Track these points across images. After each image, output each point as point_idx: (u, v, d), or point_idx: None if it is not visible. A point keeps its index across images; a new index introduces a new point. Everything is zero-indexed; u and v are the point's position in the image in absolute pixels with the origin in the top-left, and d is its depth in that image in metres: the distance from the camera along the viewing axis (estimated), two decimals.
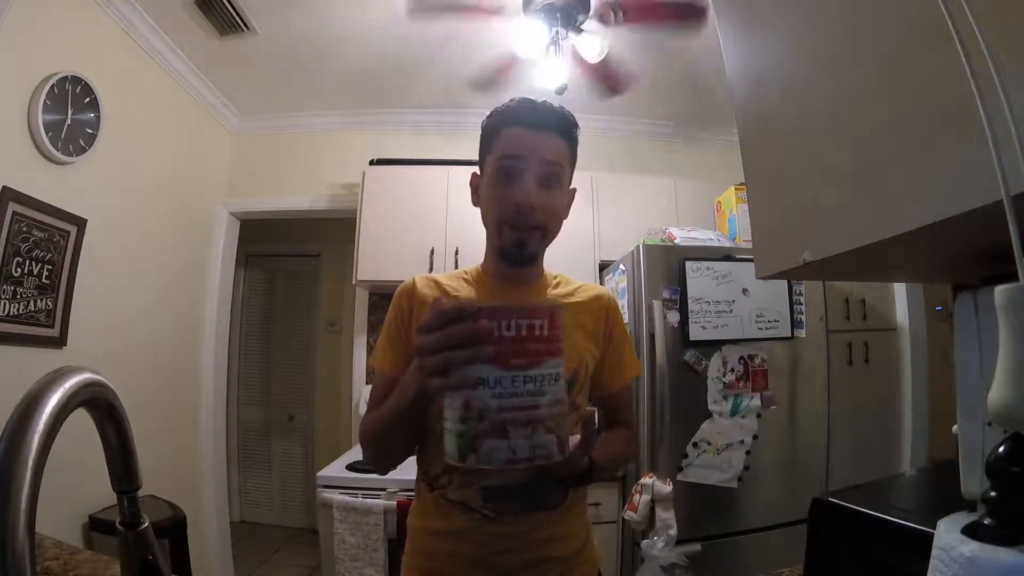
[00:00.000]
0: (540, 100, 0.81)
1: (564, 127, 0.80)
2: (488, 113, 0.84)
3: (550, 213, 0.80)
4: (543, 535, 0.77)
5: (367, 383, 2.70)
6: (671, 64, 2.33)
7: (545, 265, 0.89)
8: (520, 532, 0.75)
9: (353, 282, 2.49)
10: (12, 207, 1.52)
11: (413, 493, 0.85)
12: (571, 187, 0.86)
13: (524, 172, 0.77)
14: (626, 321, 1.92)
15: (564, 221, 0.85)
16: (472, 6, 1.94)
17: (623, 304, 2.00)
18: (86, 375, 0.37)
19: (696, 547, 1.68)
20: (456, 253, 2.37)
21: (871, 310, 2.12)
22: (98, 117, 1.82)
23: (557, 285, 0.89)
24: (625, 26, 1.93)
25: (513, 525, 0.75)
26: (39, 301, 1.62)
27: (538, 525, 0.76)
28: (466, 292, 0.85)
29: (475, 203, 0.87)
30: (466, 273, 0.89)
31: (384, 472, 0.81)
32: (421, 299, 0.82)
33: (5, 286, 1.51)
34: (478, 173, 0.87)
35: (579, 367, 0.81)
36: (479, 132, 0.85)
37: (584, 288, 0.90)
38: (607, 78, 2.13)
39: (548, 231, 0.81)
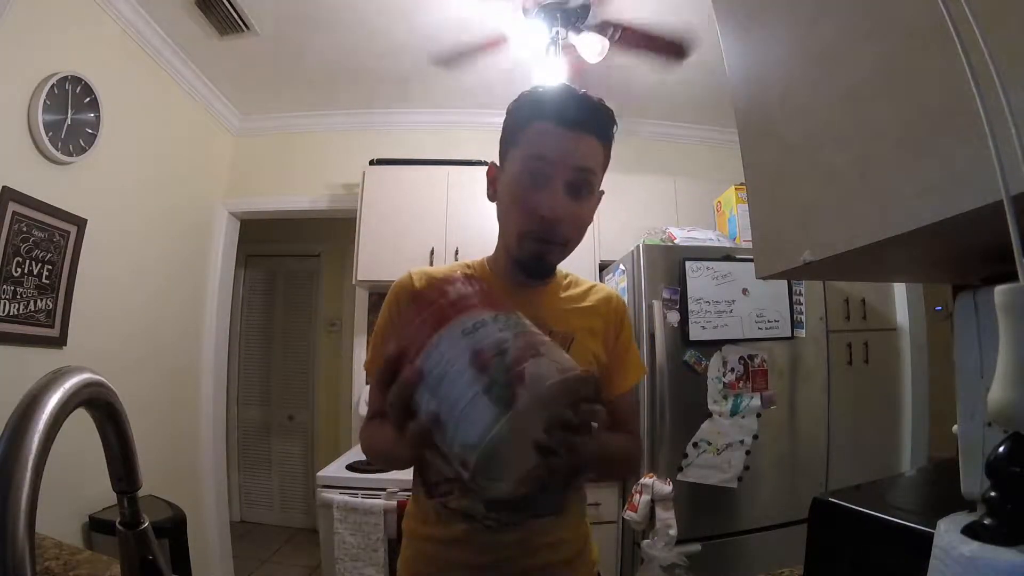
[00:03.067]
0: (579, 91, 0.72)
1: (602, 126, 0.72)
2: (516, 96, 0.74)
3: (577, 225, 0.74)
4: (544, 541, 0.76)
5: (367, 383, 2.70)
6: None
7: None
8: (521, 539, 0.74)
9: (353, 282, 2.49)
10: (12, 207, 1.52)
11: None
12: (600, 190, 0.78)
13: (553, 179, 0.69)
14: None
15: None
16: (482, 45, 1.98)
17: None
18: (86, 375, 0.37)
19: (696, 547, 1.68)
20: (456, 253, 2.37)
21: (871, 310, 2.12)
22: (98, 117, 1.82)
23: (568, 286, 0.85)
24: (615, 47, 1.94)
25: (515, 532, 0.74)
26: (39, 301, 1.62)
27: (539, 531, 0.75)
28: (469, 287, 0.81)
29: (491, 197, 0.80)
30: (469, 267, 0.83)
31: (388, 470, 0.80)
32: (422, 297, 0.79)
33: (5, 286, 1.51)
34: (496, 164, 0.78)
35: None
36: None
37: (595, 289, 0.86)
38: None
39: (571, 243, 0.75)
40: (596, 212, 0.80)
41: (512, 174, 0.73)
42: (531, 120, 0.71)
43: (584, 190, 0.72)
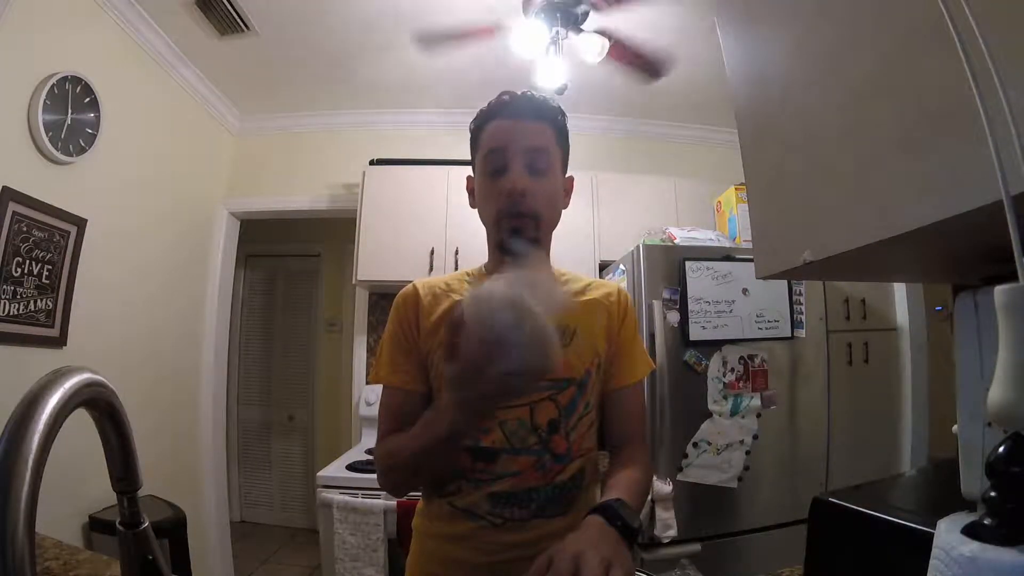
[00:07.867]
0: (521, 91, 0.80)
1: (546, 113, 0.80)
2: (474, 115, 0.85)
3: (542, 199, 0.78)
4: (550, 544, 0.75)
5: (367, 383, 2.70)
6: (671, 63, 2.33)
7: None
8: (526, 540, 0.74)
9: (353, 282, 2.49)
10: (12, 207, 1.52)
11: (415, 493, 0.84)
12: (568, 175, 0.85)
13: (510, 162, 0.77)
14: None
15: (564, 212, 0.84)
16: (472, 31, 1.98)
17: None
18: (86, 375, 0.37)
19: (696, 547, 1.68)
20: (456, 253, 2.37)
21: (871, 310, 2.12)
22: (98, 117, 1.82)
23: (565, 283, 0.86)
24: (605, 57, 1.99)
25: (519, 532, 0.74)
26: (39, 301, 1.62)
27: (545, 534, 0.74)
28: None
29: (472, 205, 0.87)
30: (468, 274, 0.87)
31: (398, 496, 0.80)
32: (425, 306, 0.81)
33: (5, 286, 1.51)
34: (472, 176, 0.87)
35: (591, 366, 0.79)
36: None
37: (596, 285, 0.88)
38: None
39: (543, 218, 0.79)
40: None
41: (479, 172, 0.83)
42: (485, 124, 0.81)
43: (542, 167, 0.79)
